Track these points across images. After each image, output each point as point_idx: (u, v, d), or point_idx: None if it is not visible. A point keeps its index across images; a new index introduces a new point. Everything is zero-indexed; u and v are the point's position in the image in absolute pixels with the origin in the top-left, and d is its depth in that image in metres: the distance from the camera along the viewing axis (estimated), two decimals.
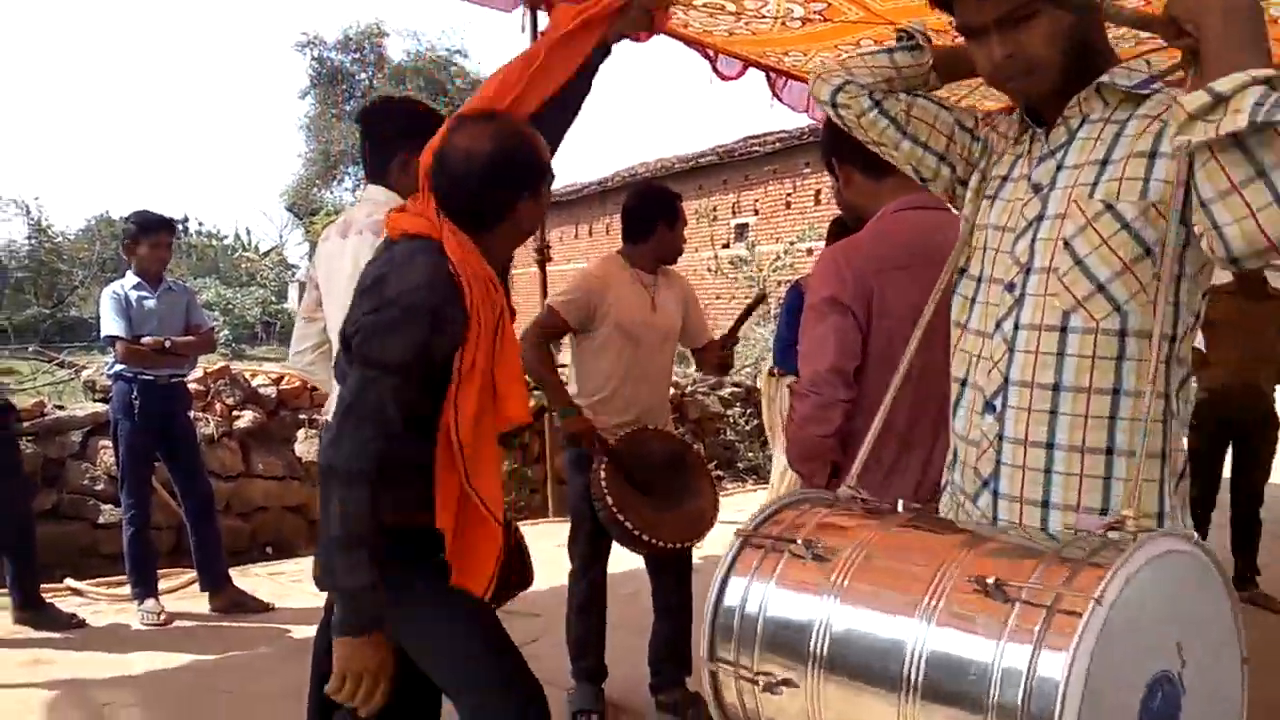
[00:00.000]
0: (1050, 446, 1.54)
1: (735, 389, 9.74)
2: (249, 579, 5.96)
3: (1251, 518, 5.66)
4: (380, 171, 2.98)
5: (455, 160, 2.14)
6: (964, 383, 1.71)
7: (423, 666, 2.24)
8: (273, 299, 26.32)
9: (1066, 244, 1.54)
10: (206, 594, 5.27)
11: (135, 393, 5.05)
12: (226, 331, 23.39)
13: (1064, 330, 1.53)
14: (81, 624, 4.94)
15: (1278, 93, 1.27)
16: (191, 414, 5.58)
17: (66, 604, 5.21)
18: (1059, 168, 1.59)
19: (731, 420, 9.57)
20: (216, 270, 27.76)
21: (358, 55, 34.86)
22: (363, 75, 34.89)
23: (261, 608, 5.20)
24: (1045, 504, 1.55)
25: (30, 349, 9.13)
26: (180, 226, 29.11)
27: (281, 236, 35.32)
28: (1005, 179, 1.70)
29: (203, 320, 5.48)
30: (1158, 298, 1.47)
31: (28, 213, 25.41)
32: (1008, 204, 1.66)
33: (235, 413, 6.71)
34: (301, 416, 6.97)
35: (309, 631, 3.50)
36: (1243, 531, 5.68)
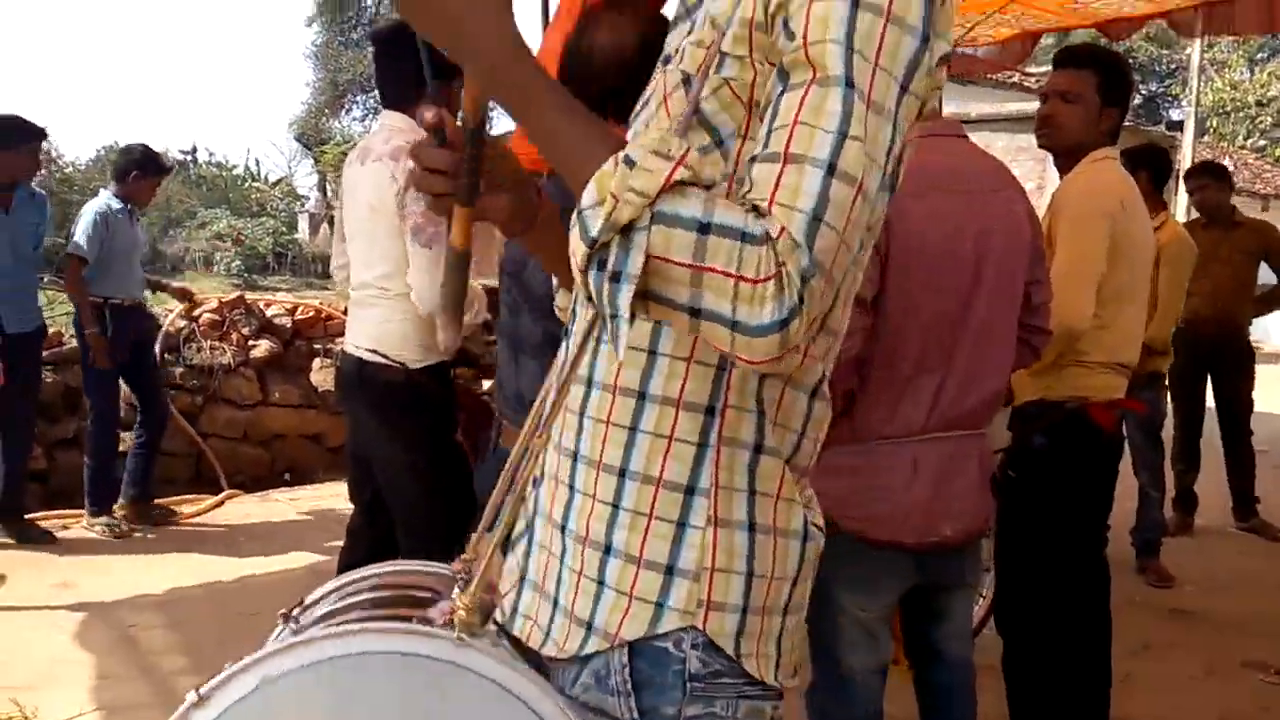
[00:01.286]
0: (589, 384, 1.13)
1: None
2: (268, 504, 6.08)
3: (1242, 449, 5.71)
4: (402, 98, 2.95)
5: (602, 54, 1.98)
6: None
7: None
8: (283, 229, 26.23)
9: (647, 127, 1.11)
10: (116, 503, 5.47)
11: (106, 314, 5.32)
12: (238, 262, 23.40)
13: None
14: (54, 539, 5.20)
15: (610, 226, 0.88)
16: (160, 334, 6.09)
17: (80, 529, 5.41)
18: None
19: None
20: (227, 201, 27.60)
21: None
22: (369, 1, 34.41)
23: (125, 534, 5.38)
24: (574, 455, 1.14)
25: (45, 279, 9.14)
26: (190, 157, 28.99)
27: (290, 167, 35.09)
28: None
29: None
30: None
31: None
32: None
33: (251, 342, 6.77)
34: (316, 346, 7.02)
35: (330, 556, 3.59)
36: (1236, 463, 5.75)
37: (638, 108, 1.20)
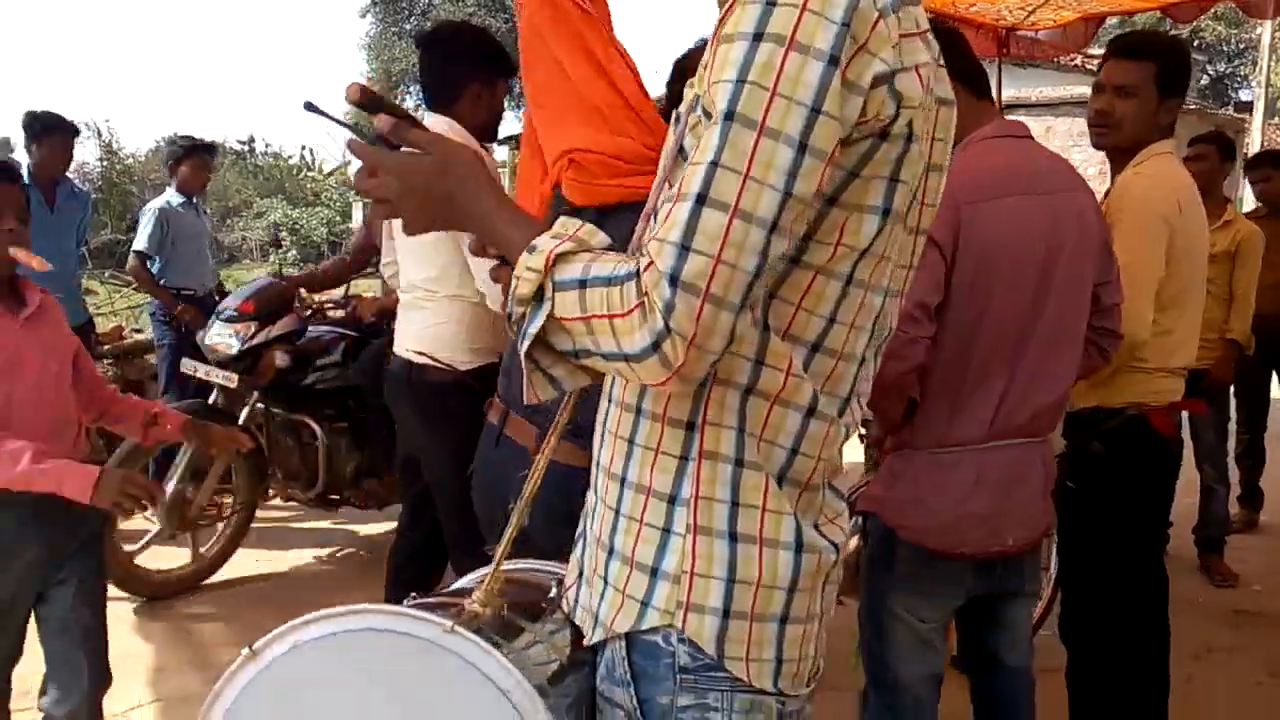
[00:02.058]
0: (610, 400, 1.28)
1: None
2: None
3: None
4: (447, 101, 2.93)
5: None
6: None
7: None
8: (338, 219, 26.51)
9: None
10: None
11: (179, 307, 5.54)
12: (294, 252, 23.69)
13: None
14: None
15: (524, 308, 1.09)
16: None
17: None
18: None
19: None
20: (282, 190, 27.95)
21: None
22: None
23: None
24: (597, 465, 1.30)
25: (107, 273, 9.30)
26: (247, 147, 29.37)
27: (345, 156, 35.43)
28: None
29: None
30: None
31: (99, 135, 25.68)
32: None
33: None
34: None
35: (384, 548, 3.61)
36: None
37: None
